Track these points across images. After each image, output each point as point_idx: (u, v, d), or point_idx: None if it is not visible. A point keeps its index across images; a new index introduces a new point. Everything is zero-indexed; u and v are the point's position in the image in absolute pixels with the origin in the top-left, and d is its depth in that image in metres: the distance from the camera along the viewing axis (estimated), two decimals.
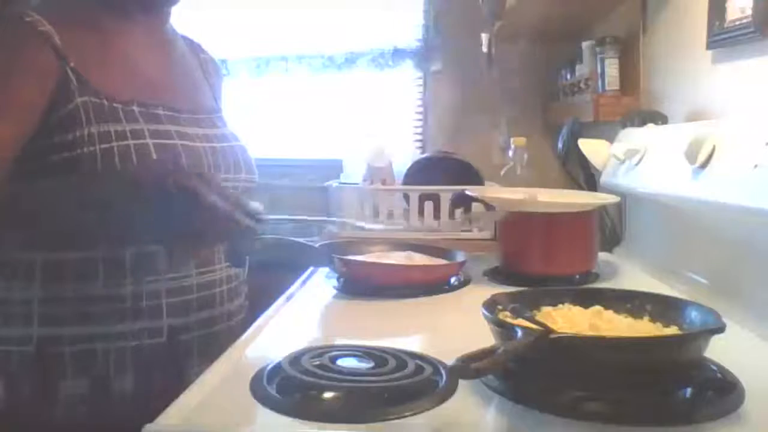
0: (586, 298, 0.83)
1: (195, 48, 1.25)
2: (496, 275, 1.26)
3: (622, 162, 1.40)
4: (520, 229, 1.26)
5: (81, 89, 0.97)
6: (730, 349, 0.72)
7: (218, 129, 1.14)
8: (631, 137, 1.44)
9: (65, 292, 0.98)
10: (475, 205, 1.63)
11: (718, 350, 0.70)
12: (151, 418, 0.63)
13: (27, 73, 0.96)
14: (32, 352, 0.98)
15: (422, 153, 2.46)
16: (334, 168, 2.16)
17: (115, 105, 0.98)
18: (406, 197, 1.73)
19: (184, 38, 1.23)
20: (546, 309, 0.80)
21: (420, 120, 2.63)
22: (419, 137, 2.63)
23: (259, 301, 1.23)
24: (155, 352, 1.01)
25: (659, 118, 1.49)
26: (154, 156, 0.98)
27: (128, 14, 1.07)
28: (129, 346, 0.99)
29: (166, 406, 0.66)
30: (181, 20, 1.22)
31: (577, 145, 1.68)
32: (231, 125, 1.21)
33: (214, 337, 1.07)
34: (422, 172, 1.80)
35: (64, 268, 0.98)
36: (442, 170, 1.79)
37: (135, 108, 1.00)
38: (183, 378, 0.96)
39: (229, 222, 0.86)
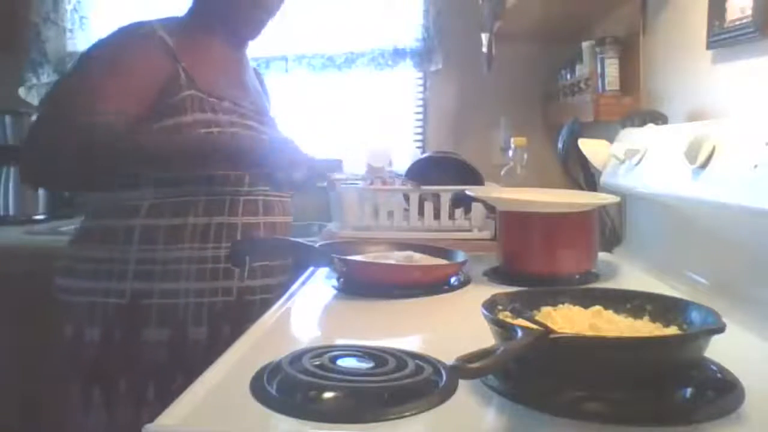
0: (586, 298, 0.83)
1: (255, 70, 1.55)
2: (496, 275, 1.26)
3: (622, 162, 1.40)
4: (520, 229, 1.26)
5: (188, 84, 1.24)
6: (730, 349, 0.72)
7: (277, 130, 1.43)
8: (631, 137, 1.45)
9: (157, 253, 1.21)
10: (475, 205, 1.63)
11: (718, 350, 0.70)
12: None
13: (143, 66, 1.23)
14: (125, 304, 1.21)
15: (422, 153, 2.46)
16: (334, 168, 2.16)
17: (212, 99, 1.27)
18: (406, 197, 1.73)
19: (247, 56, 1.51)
20: (546, 309, 0.80)
21: (420, 120, 2.63)
22: (419, 137, 2.63)
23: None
24: (226, 309, 1.24)
25: (659, 118, 1.49)
26: (241, 142, 1.24)
27: (229, 36, 1.37)
28: (205, 301, 1.23)
29: None
30: None
31: (577, 145, 1.67)
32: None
33: (268, 302, 1.20)
34: (422, 172, 1.81)
35: (158, 233, 1.22)
36: (442, 170, 1.79)
37: (227, 103, 1.29)
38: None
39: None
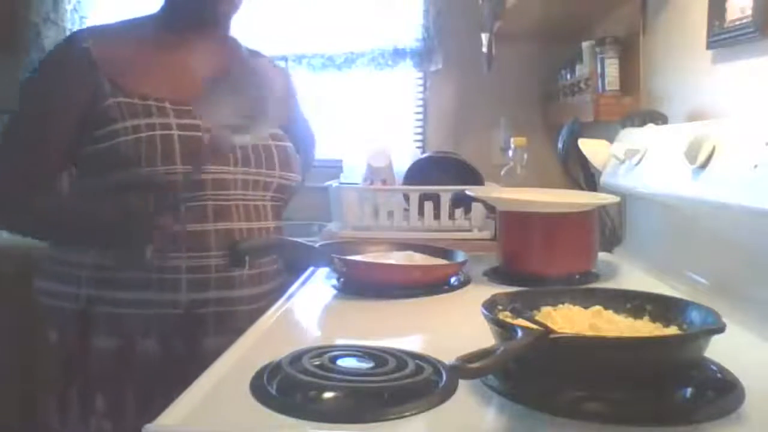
0: (586, 298, 0.83)
1: (264, 63, 1.38)
2: (496, 275, 1.26)
3: (622, 162, 1.40)
4: (520, 229, 1.26)
5: (113, 92, 1.18)
6: (730, 349, 0.72)
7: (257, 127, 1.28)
8: (631, 137, 1.44)
9: (107, 260, 1.17)
10: (475, 205, 1.64)
11: (718, 350, 0.70)
12: None
13: (64, 92, 1.20)
14: (80, 310, 1.18)
15: (422, 153, 2.46)
16: (334, 168, 2.16)
17: (148, 103, 1.18)
18: (406, 197, 1.73)
19: (254, 54, 1.42)
20: (546, 309, 0.80)
21: (420, 120, 2.63)
22: (419, 137, 2.63)
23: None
24: (174, 322, 1.18)
25: (659, 118, 1.49)
26: (178, 146, 1.15)
27: (194, 29, 1.27)
28: (152, 313, 1.17)
29: None
30: None
31: (577, 145, 1.67)
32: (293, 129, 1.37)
33: (225, 316, 1.20)
34: (422, 172, 1.81)
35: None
36: (442, 170, 1.79)
37: (167, 105, 1.19)
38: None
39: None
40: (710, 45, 1.27)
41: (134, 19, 1.31)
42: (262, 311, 1.11)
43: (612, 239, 1.60)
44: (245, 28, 2.59)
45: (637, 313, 0.81)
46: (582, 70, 1.94)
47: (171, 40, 1.27)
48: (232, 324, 1.15)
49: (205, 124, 1.18)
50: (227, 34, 1.36)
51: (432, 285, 1.17)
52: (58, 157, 1.21)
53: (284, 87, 1.36)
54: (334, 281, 1.20)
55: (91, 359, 1.18)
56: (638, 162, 1.33)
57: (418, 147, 2.61)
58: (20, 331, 1.95)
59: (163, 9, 1.30)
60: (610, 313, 0.79)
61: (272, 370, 0.72)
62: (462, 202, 1.58)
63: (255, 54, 1.43)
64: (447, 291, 1.17)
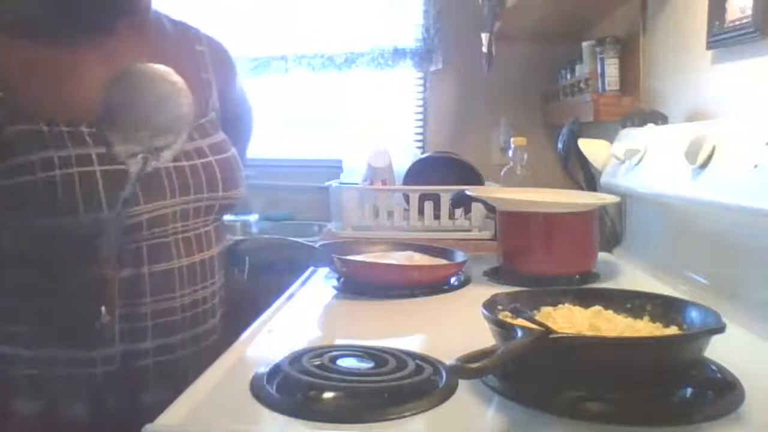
0: (586, 298, 0.83)
1: (191, 42, 1.14)
2: (496, 275, 1.26)
3: (622, 162, 1.40)
4: (520, 229, 1.26)
5: (10, 119, 0.92)
6: (730, 349, 0.72)
7: (200, 140, 1.06)
8: (631, 137, 1.44)
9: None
10: (475, 205, 1.63)
11: (718, 350, 0.70)
12: None
13: None
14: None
15: (422, 153, 2.46)
16: (334, 168, 2.16)
17: (58, 129, 0.93)
18: (406, 197, 1.73)
19: (181, 31, 1.14)
20: (546, 309, 0.80)
21: (420, 120, 2.63)
22: (419, 137, 2.63)
23: (259, 301, 1.24)
24: (108, 380, 1.00)
25: (659, 118, 1.48)
26: (101, 185, 0.92)
27: (82, 28, 1.00)
28: (81, 373, 0.98)
29: None
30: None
31: (577, 145, 1.67)
32: (225, 122, 1.16)
33: (175, 363, 1.04)
34: (422, 172, 1.81)
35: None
36: (442, 170, 1.79)
37: (84, 129, 0.94)
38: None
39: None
40: (710, 45, 1.27)
41: (10, 8, 1.00)
42: (206, 351, 1.03)
43: (612, 239, 1.60)
44: (245, 27, 2.61)
45: (637, 313, 0.81)
46: (582, 70, 1.94)
47: (75, 36, 1.00)
48: (174, 372, 1.01)
49: (118, 148, 0.92)
50: (147, 15, 1.08)
51: (432, 285, 1.17)
52: None
53: (220, 66, 1.18)
54: (334, 281, 1.20)
55: (11, 427, 0.98)
56: (638, 162, 1.33)
57: (418, 147, 2.61)
58: None
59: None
60: (610, 313, 0.80)
61: (272, 370, 0.72)
62: (462, 202, 1.58)
63: (182, 30, 1.16)
64: (447, 291, 1.17)
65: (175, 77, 0.97)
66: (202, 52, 1.15)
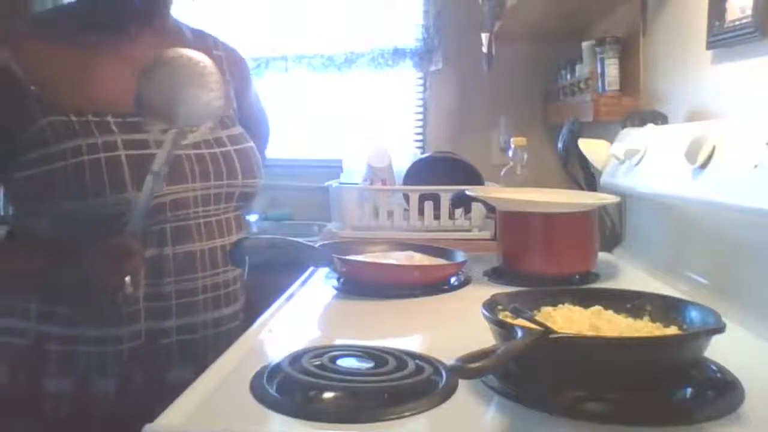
0: (586, 298, 0.83)
1: (209, 46, 1.21)
2: (496, 275, 1.26)
3: (622, 162, 1.40)
4: (520, 229, 1.26)
5: (44, 111, 1.01)
6: (730, 349, 0.73)
7: (219, 132, 1.13)
8: (631, 137, 1.44)
9: (57, 293, 1.05)
10: (475, 205, 1.63)
11: (718, 350, 0.70)
12: None
13: None
14: (29, 346, 1.04)
15: (422, 153, 2.46)
16: (334, 168, 2.16)
17: (85, 119, 1.01)
18: (406, 197, 1.73)
19: (199, 37, 1.22)
20: (546, 309, 0.80)
21: (420, 120, 2.63)
22: (419, 137, 2.63)
23: (259, 301, 1.24)
24: (134, 355, 1.06)
25: (659, 118, 1.48)
26: (126, 168, 1.00)
27: (107, 31, 1.09)
28: (109, 350, 1.04)
29: None
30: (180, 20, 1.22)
31: (577, 145, 1.67)
32: (241, 125, 1.21)
33: (196, 343, 1.09)
34: (422, 172, 1.81)
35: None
36: (442, 170, 1.79)
37: (110, 119, 1.03)
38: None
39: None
40: (710, 45, 1.27)
41: (49, 12, 1.11)
42: (227, 335, 1.09)
43: (612, 239, 1.60)
44: (245, 27, 2.61)
45: (637, 313, 0.81)
46: (582, 70, 1.94)
47: (101, 38, 1.09)
48: (195, 352, 1.07)
49: (154, 135, 1.02)
50: (167, 21, 1.17)
51: (432, 285, 1.17)
52: None
53: (236, 71, 1.26)
54: (334, 281, 1.20)
55: (43, 400, 1.04)
56: (638, 162, 1.33)
57: (418, 147, 2.61)
58: None
59: (72, 7, 1.13)
60: (610, 313, 0.79)
61: (272, 370, 0.72)
62: (462, 202, 1.58)
63: (200, 36, 1.23)
64: (447, 291, 1.17)
65: (210, 65, 1.05)
66: (219, 56, 1.22)
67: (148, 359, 1.06)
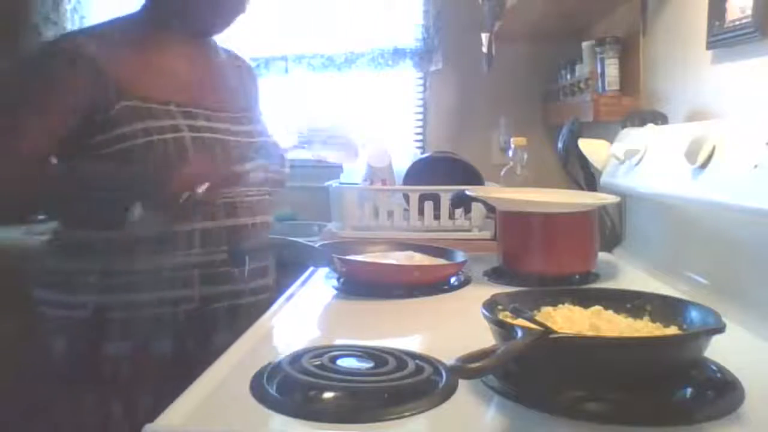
0: (586, 298, 0.83)
1: (232, 57, 1.44)
2: (496, 275, 1.26)
3: (622, 162, 1.40)
4: (520, 229, 1.26)
5: (119, 96, 1.17)
6: (730, 349, 0.73)
7: (248, 126, 1.33)
8: (631, 137, 1.45)
9: (115, 265, 1.18)
10: (475, 205, 1.63)
11: (718, 350, 0.70)
12: None
13: (61, 87, 1.17)
14: (88, 317, 1.18)
15: (422, 153, 2.46)
16: (334, 168, 2.16)
17: (152, 105, 1.19)
18: (406, 197, 1.73)
19: (225, 50, 1.43)
20: (546, 309, 0.80)
21: (420, 120, 2.63)
22: (419, 137, 2.63)
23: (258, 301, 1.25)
24: (188, 317, 1.21)
25: (659, 118, 1.48)
26: (190, 147, 1.19)
27: (187, 32, 1.30)
28: (166, 312, 1.19)
29: None
30: None
31: (577, 145, 1.67)
32: (263, 123, 1.42)
33: (238, 309, 1.24)
34: (422, 172, 1.81)
35: (114, 245, 1.18)
36: (442, 170, 1.79)
37: (173, 108, 1.21)
38: None
39: None
40: (710, 45, 1.27)
41: (118, 20, 1.29)
42: (264, 303, 1.18)
43: (612, 239, 1.60)
44: (245, 27, 2.60)
45: (637, 313, 0.81)
46: (582, 70, 1.93)
47: (163, 41, 1.27)
48: (240, 316, 1.18)
49: (221, 124, 1.24)
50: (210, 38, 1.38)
51: (432, 285, 1.17)
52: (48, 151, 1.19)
53: (254, 81, 1.49)
54: (334, 281, 1.20)
55: (106, 365, 1.17)
56: (638, 162, 1.33)
57: (418, 147, 2.61)
58: (19, 331, 1.94)
59: (146, 9, 1.29)
60: (610, 313, 0.80)
61: (272, 370, 0.72)
62: (462, 202, 1.58)
63: (224, 48, 1.43)
64: (447, 291, 1.17)
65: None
66: (239, 66, 1.45)
67: (200, 322, 1.20)
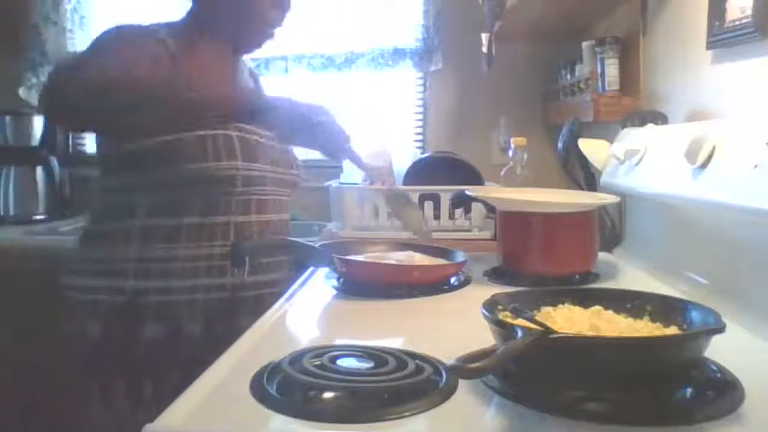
0: (586, 298, 0.83)
1: (242, 62, 1.52)
2: (496, 275, 1.26)
3: (622, 162, 1.40)
4: (520, 229, 1.26)
5: (186, 87, 1.21)
6: (730, 349, 0.72)
7: (268, 132, 1.38)
8: (631, 137, 1.45)
9: (155, 252, 1.25)
10: (475, 205, 1.63)
11: (718, 350, 0.70)
12: None
13: (145, 59, 1.23)
14: (124, 302, 1.24)
15: (422, 153, 2.46)
16: (334, 168, 2.16)
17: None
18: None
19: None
20: (546, 309, 0.80)
21: (420, 120, 2.63)
22: (419, 137, 2.63)
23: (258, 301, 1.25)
24: (220, 305, 1.29)
25: (659, 118, 1.48)
26: (237, 144, 1.27)
27: (226, 45, 1.40)
28: (199, 298, 1.27)
29: None
30: None
31: (577, 145, 1.67)
32: None
33: (262, 298, 1.29)
34: (422, 172, 1.81)
35: (155, 233, 1.25)
36: (442, 170, 1.79)
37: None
38: None
39: None
40: (710, 45, 1.27)
41: (170, 23, 1.35)
42: (275, 295, 1.19)
43: (612, 239, 1.60)
44: None
45: (637, 313, 0.81)
46: (582, 70, 1.94)
47: (212, 48, 1.35)
48: (261, 305, 1.18)
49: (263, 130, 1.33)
50: None
51: (432, 285, 1.17)
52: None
53: (258, 84, 1.59)
54: (334, 281, 1.20)
55: (139, 349, 1.24)
56: (638, 162, 1.33)
57: (418, 147, 2.61)
58: (20, 330, 1.95)
59: (190, 15, 1.36)
60: (610, 313, 0.79)
61: (272, 370, 0.72)
62: (462, 202, 1.58)
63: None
64: (447, 291, 1.17)
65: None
66: (250, 70, 1.57)
67: (229, 309, 1.27)
